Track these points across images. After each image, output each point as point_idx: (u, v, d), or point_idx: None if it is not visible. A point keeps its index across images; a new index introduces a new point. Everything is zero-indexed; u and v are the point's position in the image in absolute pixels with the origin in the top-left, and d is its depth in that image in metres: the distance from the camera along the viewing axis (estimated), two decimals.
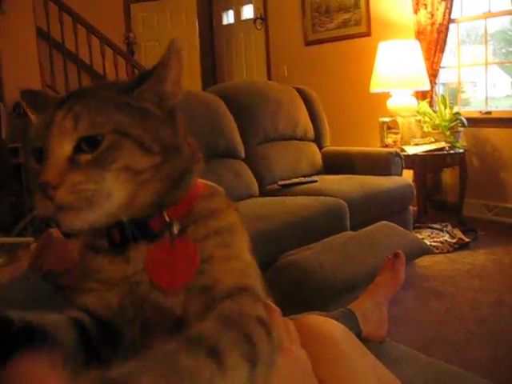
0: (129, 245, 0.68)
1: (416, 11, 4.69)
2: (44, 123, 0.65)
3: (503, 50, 5.48)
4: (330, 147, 4.30)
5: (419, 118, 4.47)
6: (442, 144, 4.28)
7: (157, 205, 0.68)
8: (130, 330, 0.67)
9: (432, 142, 4.31)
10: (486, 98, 4.72)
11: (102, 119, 0.63)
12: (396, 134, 4.40)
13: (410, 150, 4.20)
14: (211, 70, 7.52)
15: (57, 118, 0.64)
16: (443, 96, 4.53)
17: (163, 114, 0.69)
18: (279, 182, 3.70)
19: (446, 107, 4.38)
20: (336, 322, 0.81)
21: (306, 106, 4.21)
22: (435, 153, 4.23)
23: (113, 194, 0.63)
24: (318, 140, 4.25)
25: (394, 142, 4.38)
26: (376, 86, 4.55)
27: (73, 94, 0.68)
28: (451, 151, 4.27)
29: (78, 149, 0.63)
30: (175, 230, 0.69)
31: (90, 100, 0.65)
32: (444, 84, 5.07)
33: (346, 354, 0.78)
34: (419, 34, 4.69)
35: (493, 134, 4.50)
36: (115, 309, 0.67)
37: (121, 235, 0.69)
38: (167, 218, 0.69)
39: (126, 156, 0.63)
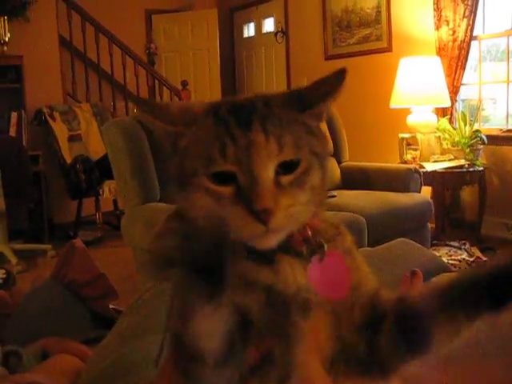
0: (276, 255, 0.67)
1: (438, 27, 4.69)
2: (228, 143, 0.62)
3: None
4: (348, 162, 4.29)
5: (439, 134, 4.45)
6: (462, 161, 4.25)
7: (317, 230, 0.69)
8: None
9: (451, 160, 4.29)
10: (507, 116, 4.69)
11: (300, 142, 0.64)
12: (415, 150, 4.38)
13: (429, 166, 4.18)
14: (231, 83, 7.56)
15: (257, 138, 0.62)
16: (463, 113, 4.51)
17: (320, 131, 0.70)
18: None
19: (466, 124, 4.36)
20: None
21: (326, 121, 4.18)
22: (454, 170, 4.20)
23: (306, 212, 0.64)
24: (336, 155, 4.25)
25: (413, 158, 4.36)
26: (396, 102, 4.54)
27: (242, 110, 0.65)
28: (470, 169, 4.24)
29: (276, 171, 0.62)
30: (325, 247, 0.69)
31: (280, 120, 0.64)
32: (464, 100, 5.05)
33: None
34: (440, 51, 4.68)
35: None
36: (255, 307, 0.65)
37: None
38: (309, 232, 0.69)
39: (314, 175, 0.65)
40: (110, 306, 1.29)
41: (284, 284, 0.66)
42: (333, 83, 0.68)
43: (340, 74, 0.68)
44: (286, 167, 0.62)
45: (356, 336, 0.68)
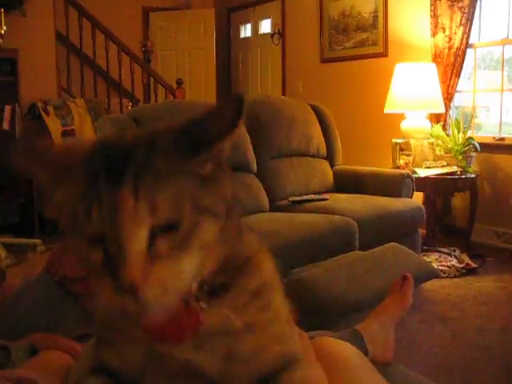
0: None
1: (434, 34, 4.71)
2: (93, 203, 0.54)
3: None
4: (341, 165, 4.30)
5: (432, 140, 4.47)
6: (454, 168, 4.27)
7: (221, 270, 0.62)
8: None
9: (444, 166, 4.31)
10: (500, 124, 4.72)
11: (179, 200, 0.54)
12: (408, 155, 4.39)
13: (422, 172, 4.20)
14: (227, 82, 7.56)
15: (124, 201, 0.53)
16: (457, 120, 4.53)
17: (221, 173, 0.60)
18: (290, 198, 3.70)
19: (459, 131, 4.38)
20: (351, 346, 0.81)
21: (320, 123, 4.22)
22: (446, 177, 4.22)
23: (188, 277, 0.56)
24: (330, 158, 4.26)
25: (406, 163, 4.38)
26: (390, 107, 4.56)
27: (119, 159, 0.55)
28: (463, 176, 4.26)
29: (151, 235, 0.54)
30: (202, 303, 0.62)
31: (157, 175, 0.54)
32: (457, 107, 5.07)
33: (362, 380, 0.78)
34: (436, 57, 4.70)
35: (505, 160, 4.48)
36: (137, 366, 0.63)
37: None
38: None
39: (202, 233, 0.56)
40: None
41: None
42: (230, 116, 0.56)
43: (237, 104, 0.56)
44: (164, 228, 0.54)
45: None
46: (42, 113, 5.15)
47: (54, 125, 5.19)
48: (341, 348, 0.71)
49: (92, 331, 1.18)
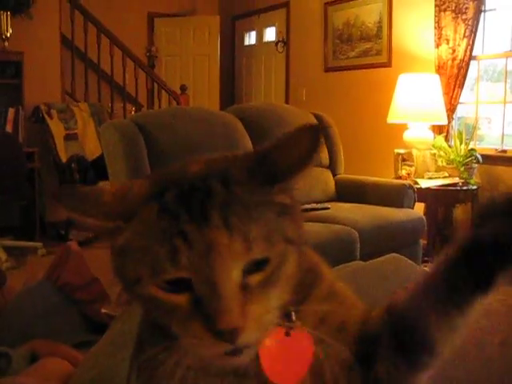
0: None
1: (438, 46, 4.72)
2: (179, 246, 0.49)
3: None
4: (343, 175, 4.30)
5: (434, 151, 4.47)
6: (456, 179, 4.27)
7: (298, 290, 0.59)
8: None
9: (445, 177, 4.31)
10: (502, 136, 4.72)
11: (272, 232, 0.51)
12: (410, 166, 4.40)
13: (423, 183, 4.20)
14: (230, 89, 7.58)
15: (218, 238, 0.49)
16: (459, 131, 4.53)
17: (296, 202, 0.58)
18: None
19: (461, 143, 4.38)
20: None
21: (322, 133, 4.21)
22: (448, 188, 4.22)
23: (278, 311, 0.54)
24: (332, 167, 4.26)
25: (408, 174, 4.38)
26: (393, 117, 4.56)
27: (194, 193, 0.52)
28: (464, 187, 4.26)
29: (245, 272, 0.51)
30: (293, 317, 0.59)
31: (243, 207, 0.51)
32: (459, 118, 5.08)
33: None
34: (439, 69, 4.71)
35: (507, 172, 4.48)
36: None
37: None
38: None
39: (290, 265, 0.54)
40: (102, 311, 1.29)
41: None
42: (307, 145, 0.54)
43: (314, 133, 0.55)
44: (254, 264, 0.51)
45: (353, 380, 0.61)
46: (46, 116, 5.16)
47: (57, 128, 5.20)
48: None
49: (93, 339, 1.19)
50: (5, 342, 1.12)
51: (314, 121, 4.22)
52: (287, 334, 0.58)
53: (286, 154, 0.54)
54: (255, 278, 0.51)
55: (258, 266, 0.51)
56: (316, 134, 0.54)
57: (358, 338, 0.62)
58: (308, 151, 0.54)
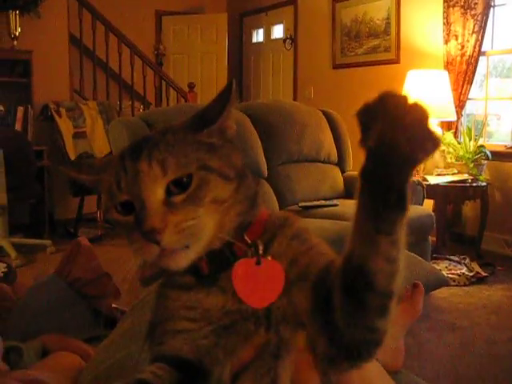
0: (219, 274, 0.70)
1: (446, 42, 4.70)
2: (121, 176, 0.68)
3: None
4: (352, 172, 4.29)
5: (443, 148, 4.45)
6: (465, 176, 4.26)
7: (239, 228, 0.71)
8: (217, 371, 0.69)
9: (455, 174, 4.30)
10: None
11: (185, 160, 0.67)
12: None
13: (432, 180, 4.19)
14: (238, 87, 7.57)
15: (141, 167, 0.67)
16: (469, 128, 4.51)
17: (227, 144, 0.73)
18: (300, 204, 3.70)
19: (470, 139, 4.37)
20: None
21: (331, 129, 4.21)
22: (457, 184, 4.21)
23: (207, 226, 0.67)
24: (340, 164, 4.25)
25: (417, 170, 4.37)
26: None
27: (139, 143, 0.71)
28: (473, 184, 4.25)
29: (168, 192, 0.66)
30: (260, 250, 0.71)
31: (167, 145, 0.68)
32: (468, 115, 5.06)
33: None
34: (448, 65, 4.69)
35: None
36: (205, 349, 0.69)
37: (209, 266, 0.71)
38: (249, 240, 0.71)
39: (213, 188, 0.67)
40: (113, 306, 1.30)
41: (231, 298, 0.69)
42: (224, 96, 0.72)
43: (229, 86, 0.72)
44: (181, 187, 0.66)
45: (315, 326, 0.66)
46: (54, 114, 5.18)
47: (65, 126, 5.22)
48: None
49: (102, 333, 1.19)
50: (16, 337, 1.12)
51: (323, 118, 4.22)
52: (257, 262, 0.69)
53: (209, 108, 0.72)
54: (179, 197, 0.66)
55: (180, 188, 0.66)
56: (229, 86, 0.72)
57: (317, 284, 0.67)
58: (224, 101, 0.71)
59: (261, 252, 0.70)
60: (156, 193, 0.66)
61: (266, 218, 0.75)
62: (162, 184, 0.66)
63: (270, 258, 0.70)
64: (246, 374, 0.68)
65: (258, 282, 0.68)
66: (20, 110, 5.15)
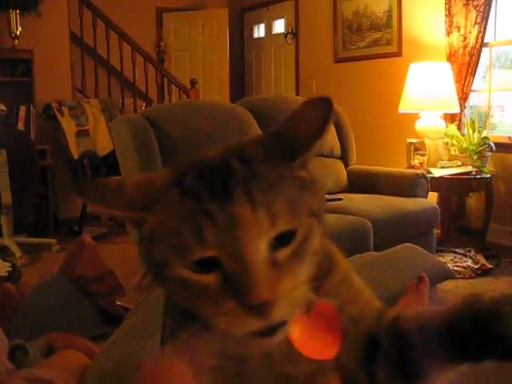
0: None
1: (449, 33, 4.68)
2: (204, 225, 0.50)
3: None
4: (355, 165, 4.28)
5: (447, 140, 4.44)
6: (469, 168, 4.24)
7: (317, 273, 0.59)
8: None
9: (459, 166, 4.28)
10: None
11: (296, 204, 0.52)
12: (423, 155, 4.37)
13: (436, 172, 4.17)
14: (240, 82, 7.57)
15: (242, 213, 0.49)
16: (472, 120, 4.49)
17: (314, 177, 0.58)
18: None
19: (474, 131, 4.35)
20: None
21: (334, 123, 4.20)
22: (461, 176, 4.19)
23: (305, 282, 0.54)
24: (344, 158, 4.24)
25: (421, 163, 4.35)
26: (405, 107, 4.53)
27: (215, 173, 0.53)
28: (478, 176, 4.23)
29: (272, 247, 0.51)
30: (313, 296, 0.58)
31: (266, 181, 0.51)
32: (472, 107, 5.03)
33: None
34: (451, 57, 4.67)
35: None
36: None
37: None
38: None
39: (315, 238, 0.54)
40: (117, 303, 1.30)
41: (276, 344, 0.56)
42: (319, 117, 0.55)
43: (324, 104, 0.56)
44: (280, 238, 0.51)
45: (357, 370, 0.62)
46: (57, 113, 5.18)
47: (68, 125, 5.22)
48: None
49: (108, 331, 1.19)
50: (22, 335, 1.12)
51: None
52: (309, 308, 0.57)
53: (299, 128, 0.55)
54: (283, 253, 0.51)
55: (285, 240, 0.51)
56: (327, 106, 0.55)
57: (369, 336, 0.63)
58: (321, 123, 0.55)
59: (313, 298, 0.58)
60: (261, 249, 0.50)
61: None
62: (268, 238, 0.50)
63: (317, 300, 0.58)
64: None
65: (315, 330, 0.57)
66: (22, 109, 5.15)
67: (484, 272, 3.84)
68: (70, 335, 1.16)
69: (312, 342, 0.57)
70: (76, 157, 5.10)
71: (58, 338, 1.15)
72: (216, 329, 0.52)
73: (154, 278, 0.55)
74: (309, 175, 0.56)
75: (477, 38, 4.50)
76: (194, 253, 0.50)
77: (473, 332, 0.54)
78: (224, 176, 0.51)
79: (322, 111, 0.55)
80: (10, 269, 2.57)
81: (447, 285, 3.51)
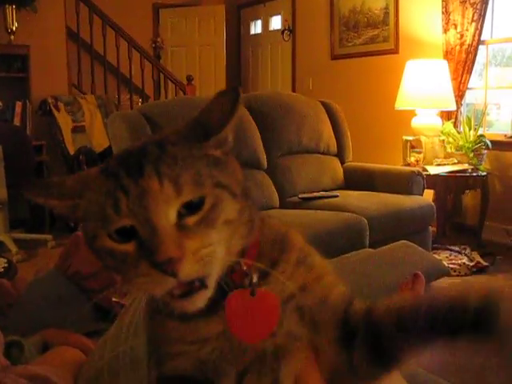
0: (219, 303, 0.64)
1: (445, 31, 4.68)
2: (120, 197, 0.58)
3: None
4: (352, 163, 4.29)
5: (443, 138, 4.44)
6: (465, 166, 4.25)
7: (240, 253, 0.65)
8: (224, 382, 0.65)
9: (455, 164, 4.29)
10: None
11: (199, 177, 0.59)
12: (419, 153, 4.37)
13: (432, 170, 4.18)
14: (237, 79, 7.56)
15: (150, 185, 0.57)
16: (468, 117, 4.50)
17: (230, 157, 0.66)
18: (300, 195, 3.70)
19: (470, 129, 4.36)
20: None
21: (330, 120, 4.20)
22: (457, 174, 4.20)
23: (220, 252, 0.60)
24: (340, 155, 4.25)
25: (417, 161, 4.36)
26: (401, 104, 4.54)
27: (133, 157, 0.61)
28: (474, 173, 4.24)
29: (179, 214, 0.58)
30: (254, 278, 0.65)
31: (174, 159, 0.59)
32: (468, 105, 5.04)
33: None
34: (447, 54, 4.67)
35: None
36: (210, 364, 0.65)
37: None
38: (244, 267, 0.65)
39: (225, 208, 0.60)
40: (113, 299, 1.29)
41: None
42: (228, 104, 0.63)
43: (232, 92, 0.63)
44: (190, 207, 0.58)
45: (338, 350, 0.67)
46: (53, 109, 5.17)
47: (64, 121, 5.21)
48: None
49: (104, 327, 1.19)
50: (17, 332, 1.12)
51: (322, 109, 4.21)
52: (252, 293, 0.64)
53: (211, 114, 0.63)
54: (191, 219, 0.58)
55: (193, 208, 0.58)
56: (235, 94, 0.63)
57: (341, 321, 0.67)
58: (229, 109, 0.63)
59: (255, 281, 0.65)
60: (169, 215, 0.57)
61: (258, 239, 0.68)
62: (175, 205, 0.57)
63: (264, 289, 0.65)
64: (249, 377, 0.65)
65: (252, 316, 0.63)
66: (18, 105, 5.14)
67: (479, 270, 3.85)
68: (66, 332, 1.16)
69: (243, 324, 0.63)
70: (72, 153, 5.09)
71: (53, 335, 1.14)
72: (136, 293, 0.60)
73: (97, 258, 0.63)
74: (223, 155, 0.64)
75: (473, 36, 4.50)
76: (114, 222, 0.58)
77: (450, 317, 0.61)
78: (140, 158, 0.60)
79: (230, 99, 0.63)
80: (6, 265, 2.57)
81: (442, 282, 3.52)
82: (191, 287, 0.59)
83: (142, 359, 0.94)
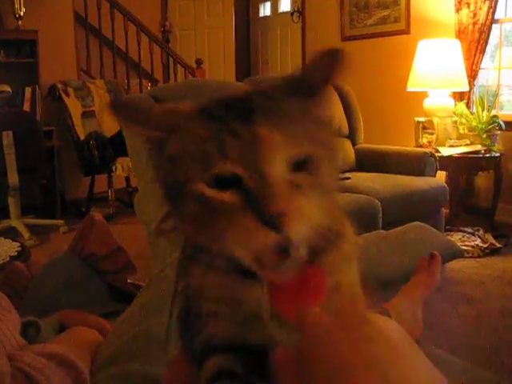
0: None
1: (458, 10, 4.61)
2: (228, 142, 0.53)
3: None
4: (363, 144, 4.26)
5: (455, 119, 4.40)
6: (478, 147, 4.21)
7: (327, 235, 0.58)
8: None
9: (467, 145, 4.24)
10: None
11: (309, 134, 0.55)
12: (431, 134, 4.33)
13: (445, 151, 4.14)
14: (246, 62, 7.51)
15: (262, 132, 0.53)
16: (481, 98, 4.45)
17: (325, 118, 0.60)
18: None
19: (483, 109, 4.31)
20: (393, 322, 0.76)
21: (342, 102, 4.17)
22: (470, 155, 4.16)
23: (319, 214, 0.55)
24: (351, 136, 4.22)
25: (429, 142, 4.32)
26: (413, 85, 4.49)
27: (239, 103, 0.57)
28: (487, 155, 4.20)
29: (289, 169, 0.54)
30: (302, 252, 0.57)
31: (283, 112, 0.55)
32: (480, 85, 4.98)
33: (404, 357, 0.75)
34: (460, 34, 4.60)
35: None
36: (255, 331, 0.60)
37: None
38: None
39: (327, 171, 0.56)
40: (128, 281, 1.29)
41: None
42: (332, 64, 0.59)
43: (336, 52, 0.59)
44: (296, 165, 0.54)
45: None
46: (62, 94, 5.16)
47: (74, 106, 5.20)
48: (384, 323, 0.64)
49: (119, 308, 1.18)
50: (32, 314, 1.12)
51: (333, 91, 4.17)
52: (299, 267, 0.57)
53: (315, 74, 0.59)
54: (300, 177, 0.53)
55: (299, 167, 0.54)
56: (339, 53, 0.59)
57: None
58: (334, 67, 0.59)
59: (303, 255, 0.57)
60: (281, 167, 0.52)
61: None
62: (286, 158, 0.53)
63: (315, 265, 0.58)
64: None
65: (296, 290, 0.58)
66: (28, 90, 5.13)
67: (492, 251, 3.83)
68: (82, 312, 1.16)
69: (284, 296, 0.58)
70: (82, 138, 5.09)
71: (69, 315, 1.14)
72: (230, 250, 0.54)
73: (170, 201, 0.58)
74: (322, 114, 0.59)
75: (487, 15, 4.43)
76: (217, 166, 0.53)
77: None
78: (247, 106, 0.55)
79: (336, 60, 0.59)
80: (20, 248, 2.58)
81: (456, 264, 3.50)
82: (285, 251, 0.53)
83: (158, 339, 0.93)
